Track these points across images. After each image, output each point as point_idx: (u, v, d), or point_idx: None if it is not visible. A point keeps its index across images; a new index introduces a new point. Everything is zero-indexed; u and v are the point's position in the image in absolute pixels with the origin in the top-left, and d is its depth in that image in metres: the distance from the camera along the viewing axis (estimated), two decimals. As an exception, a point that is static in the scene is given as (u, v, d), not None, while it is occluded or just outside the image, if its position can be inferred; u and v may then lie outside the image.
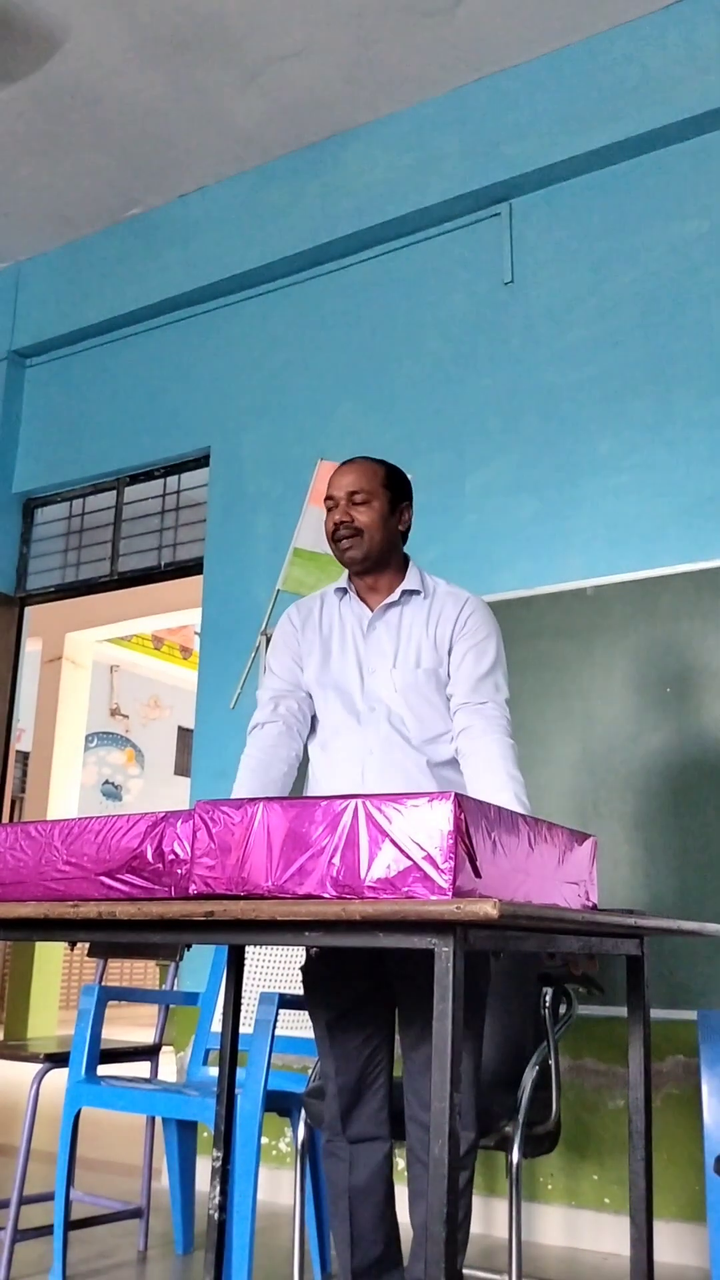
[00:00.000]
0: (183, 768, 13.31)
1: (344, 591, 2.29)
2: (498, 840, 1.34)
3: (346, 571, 2.29)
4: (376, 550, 2.21)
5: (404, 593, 2.23)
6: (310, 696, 2.27)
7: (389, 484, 2.24)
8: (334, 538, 2.22)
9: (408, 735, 2.15)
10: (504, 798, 1.97)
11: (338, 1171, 2.08)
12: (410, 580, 2.24)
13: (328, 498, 2.24)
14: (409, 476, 2.34)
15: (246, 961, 3.15)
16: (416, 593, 2.24)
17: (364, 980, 2.10)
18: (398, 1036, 2.13)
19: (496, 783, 2.02)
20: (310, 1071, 2.46)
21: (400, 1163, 2.69)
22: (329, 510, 2.24)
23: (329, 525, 2.23)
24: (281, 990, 2.88)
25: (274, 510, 4.20)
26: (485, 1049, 2.24)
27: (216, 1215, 2.06)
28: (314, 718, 2.28)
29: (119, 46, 3.95)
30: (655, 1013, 2.32)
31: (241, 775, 2.19)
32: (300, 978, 2.51)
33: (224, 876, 1.38)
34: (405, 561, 2.29)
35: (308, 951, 2.19)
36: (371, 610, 2.24)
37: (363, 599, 2.26)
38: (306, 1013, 2.48)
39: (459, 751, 2.14)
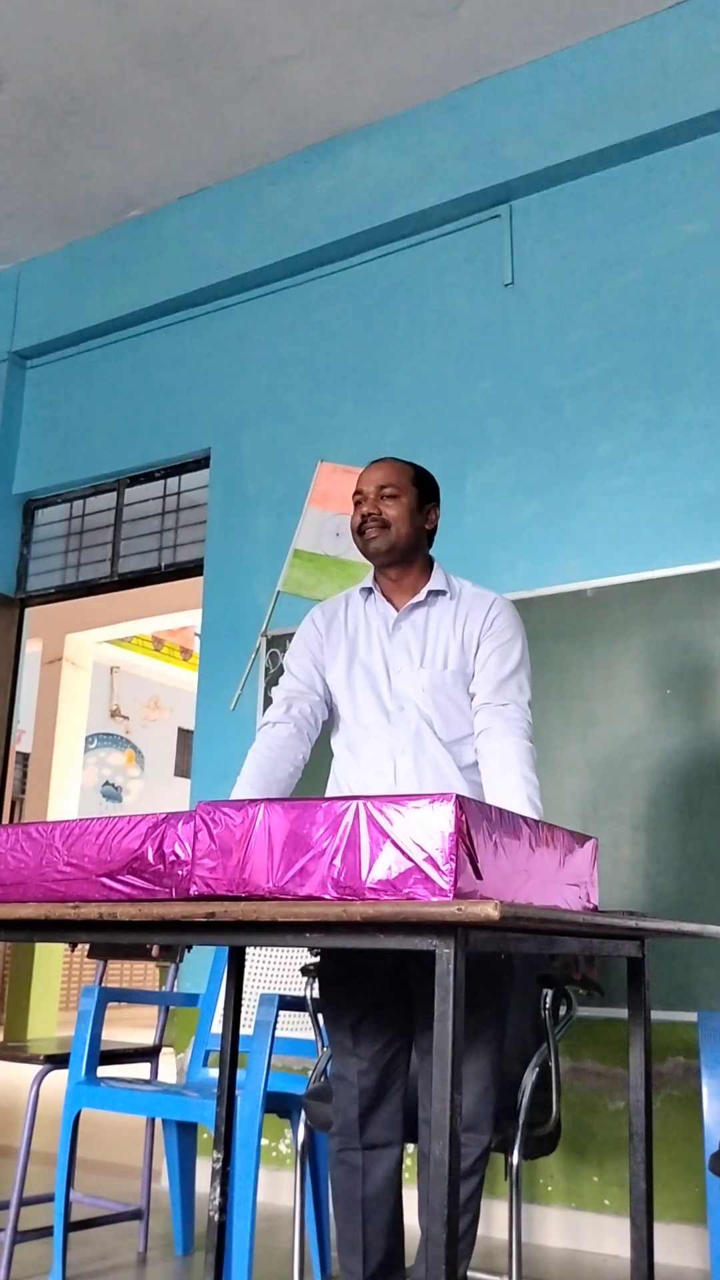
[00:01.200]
0: (183, 769, 13.31)
1: (369, 591, 2.28)
2: (499, 842, 1.34)
3: (372, 571, 2.29)
4: (402, 544, 2.21)
5: (430, 593, 2.23)
6: (324, 701, 2.27)
7: (417, 482, 2.26)
8: (360, 530, 2.23)
9: (437, 734, 2.16)
10: (517, 799, 1.99)
11: (350, 1181, 2.05)
12: (436, 581, 2.24)
13: (356, 493, 2.25)
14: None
15: (247, 963, 3.15)
16: (442, 593, 2.23)
17: (388, 980, 2.09)
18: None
19: (511, 784, 2.03)
20: (310, 1073, 2.45)
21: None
22: (356, 505, 2.24)
23: (355, 519, 2.24)
24: (282, 991, 2.88)
25: (274, 511, 4.20)
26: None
27: (216, 1217, 2.06)
28: (332, 719, 2.28)
29: (119, 48, 3.95)
30: (655, 1014, 2.32)
31: (247, 770, 2.18)
32: (299, 979, 2.51)
33: (225, 878, 1.38)
34: (430, 563, 2.29)
35: (315, 953, 2.18)
36: (397, 610, 2.23)
37: (388, 598, 2.26)
38: (307, 1014, 2.47)
39: (478, 751, 2.14)
